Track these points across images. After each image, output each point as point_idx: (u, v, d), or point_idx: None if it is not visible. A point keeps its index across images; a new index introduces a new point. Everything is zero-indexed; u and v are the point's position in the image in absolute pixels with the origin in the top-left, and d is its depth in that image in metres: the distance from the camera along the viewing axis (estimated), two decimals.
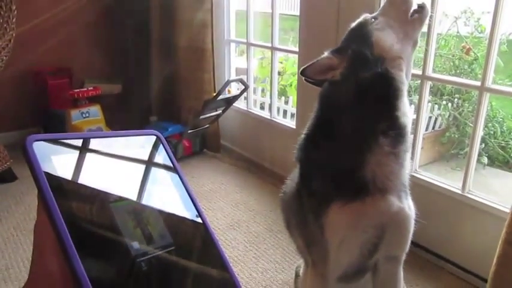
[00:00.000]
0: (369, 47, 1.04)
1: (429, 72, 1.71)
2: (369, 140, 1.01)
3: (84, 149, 0.38)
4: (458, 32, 3.22)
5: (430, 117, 3.18)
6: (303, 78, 1.11)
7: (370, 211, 1.02)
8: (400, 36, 1.07)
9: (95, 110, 2.68)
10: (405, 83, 1.05)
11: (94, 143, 0.39)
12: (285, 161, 2.43)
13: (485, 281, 1.30)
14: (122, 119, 2.83)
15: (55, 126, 2.80)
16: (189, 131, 2.58)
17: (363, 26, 1.10)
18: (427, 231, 1.27)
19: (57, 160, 0.35)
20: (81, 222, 0.34)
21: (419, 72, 1.73)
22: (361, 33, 1.08)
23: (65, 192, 0.34)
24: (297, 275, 1.43)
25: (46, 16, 2.88)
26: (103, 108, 2.73)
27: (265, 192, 2.36)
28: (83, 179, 0.36)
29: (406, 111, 1.04)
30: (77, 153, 0.37)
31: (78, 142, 0.38)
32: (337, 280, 1.15)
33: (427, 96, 1.76)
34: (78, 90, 2.65)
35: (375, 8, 1.78)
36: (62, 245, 0.32)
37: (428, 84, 1.74)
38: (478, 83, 1.57)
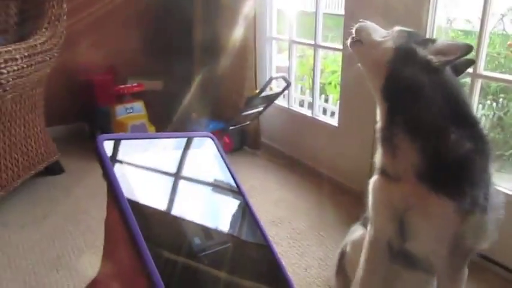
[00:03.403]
0: None
1: (480, 70, 1.67)
2: None
3: (149, 148, 0.40)
4: (504, 30, 3.14)
5: None
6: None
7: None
8: None
9: (139, 106, 2.73)
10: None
11: (155, 143, 0.41)
12: (327, 159, 2.43)
13: None
14: (164, 115, 2.88)
15: (100, 121, 2.87)
16: (231, 128, 2.60)
17: None
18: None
19: (126, 158, 0.37)
20: (149, 218, 0.36)
21: (470, 70, 1.69)
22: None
23: (133, 189, 0.36)
24: (342, 255, 1.44)
25: (90, 14, 2.96)
26: (146, 104, 2.78)
27: (306, 190, 2.36)
28: (148, 177, 0.39)
29: None
30: (142, 152, 0.39)
31: (143, 142, 0.41)
32: (391, 260, 1.21)
33: (477, 94, 1.72)
34: (123, 86, 2.72)
35: (423, 6, 1.76)
36: (134, 241, 0.34)
37: (479, 83, 1.70)
38: None
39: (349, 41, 1.22)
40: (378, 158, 1.15)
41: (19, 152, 2.14)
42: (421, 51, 1.06)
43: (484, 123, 3.17)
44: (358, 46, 1.19)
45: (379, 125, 1.14)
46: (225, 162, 0.45)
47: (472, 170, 1.04)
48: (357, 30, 1.20)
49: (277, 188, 2.39)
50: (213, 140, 0.45)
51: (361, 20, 1.21)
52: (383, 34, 1.16)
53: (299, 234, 1.95)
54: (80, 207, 2.17)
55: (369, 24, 1.20)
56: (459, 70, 1.11)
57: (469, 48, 1.03)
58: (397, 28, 1.16)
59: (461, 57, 1.04)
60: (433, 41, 1.09)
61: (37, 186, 2.37)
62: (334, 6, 6.19)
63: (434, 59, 1.04)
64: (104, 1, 2.99)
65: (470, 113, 1.08)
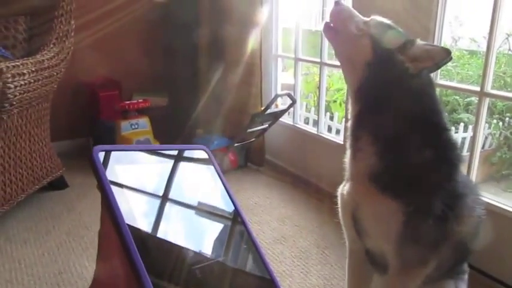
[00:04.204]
0: None
1: (488, 88, 1.66)
2: None
3: (143, 160, 0.41)
4: (510, 50, 3.14)
5: None
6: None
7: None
8: None
9: (144, 122, 2.74)
10: None
11: (150, 155, 0.42)
12: (332, 176, 2.40)
13: None
14: (169, 131, 2.89)
15: (105, 136, 2.87)
16: (235, 144, 2.60)
17: None
18: (482, 253, 1.24)
19: (120, 169, 0.38)
20: (142, 229, 0.36)
21: (477, 88, 1.69)
22: None
23: (127, 200, 0.36)
24: None
25: (97, 31, 2.99)
26: (151, 120, 2.79)
27: (311, 208, 2.34)
28: (142, 188, 0.39)
29: None
30: (137, 164, 0.40)
31: (139, 154, 0.41)
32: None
33: (485, 113, 1.71)
34: (128, 102, 2.72)
35: (430, 21, 1.76)
36: (127, 250, 0.34)
37: (487, 101, 1.69)
38: None
39: (322, 26, 1.15)
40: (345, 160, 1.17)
41: (24, 166, 2.14)
42: (399, 57, 1.04)
43: (491, 143, 3.16)
44: (333, 34, 1.14)
45: (349, 123, 1.14)
46: (219, 174, 0.45)
47: (427, 177, 1.05)
48: (332, 14, 1.13)
49: (281, 206, 2.37)
50: (207, 152, 0.46)
51: (337, 0, 1.13)
52: (360, 24, 1.10)
53: (304, 253, 1.93)
54: (83, 222, 2.16)
55: (346, 9, 1.13)
56: (438, 66, 1.07)
57: (447, 54, 1.01)
58: (374, 19, 1.11)
59: (439, 63, 1.02)
60: (411, 42, 1.05)
61: (41, 201, 2.36)
62: None
63: (411, 67, 1.02)
64: (111, 18, 3.03)
65: (440, 121, 1.07)
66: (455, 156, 1.07)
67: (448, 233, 1.07)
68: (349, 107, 1.14)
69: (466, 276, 1.25)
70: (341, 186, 1.20)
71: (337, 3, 1.13)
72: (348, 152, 1.14)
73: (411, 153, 1.04)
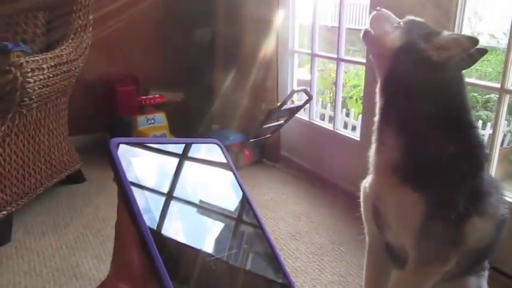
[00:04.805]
0: None
1: (508, 85, 1.63)
2: None
3: (159, 153, 0.41)
4: None
5: None
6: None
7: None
8: None
9: (160, 117, 2.75)
10: None
11: (165, 148, 0.42)
12: (348, 173, 2.40)
13: None
14: (185, 126, 2.90)
15: (121, 131, 2.90)
16: (251, 140, 2.60)
17: None
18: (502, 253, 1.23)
19: (136, 162, 0.38)
20: (158, 221, 0.37)
21: (498, 85, 1.66)
22: None
23: (143, 191, 0.37)
24: None
25: (115, 26, 3.01)
26: (167, 115, 2.80)
27: (326, 204, 2.33)
28: (157, 180, 0.39)
29: None
30: (153, 156, 0.41)
31: (154, 147, 0.42)
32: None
33: (505, 110, 1.68)
34: (145, 97, 2.74)
35: (450, 18, 1.74)
36: (144, 242, 0.35)
37: (507, 98, 1.66)
38: None
39: (362, 33, 1.19)
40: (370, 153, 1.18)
41: (42, 160, 2.17)
42: (423, 46, 1.03)
43: (510, 140, 3.11)
44: (369, 36, 1.17)
45: (375, 118, 1.15)
46: (232, 169, 0.46)
47: (450, 172, 1.04)
48: (371, 20, 1.18)
49: (297, 202, 2.37)
50: (220, 146, 0.46)
51: (378, 8, 1.18)
52: (394, 24, 1.13)
53: (319, 249, 1.92)
54: (100, 216, 2.19)
55: (384, 13, 1.17)
56: (473, 59, 1.05)
57: (472, 42, 1.00)
58: (407, 18, 1.14)
59: (465, 52, 1.01)
60: (437, 33, 1.05)
61: (59, 195, 2.39)
62: (355, 21, 6.37)
63: (435, 54, 1.02)
64: (129, 13, 3.04)
65: (465, 116, 1.06)
66: (481, 154, 1.06)
67: (470, 230, 1.06)
68: (377, 100, 1.15)
69: (486, 273, 1.24)
70: (364, 181, 1.21)
71: (377, 9, 1.17)
72: (373, 146, 1.15)
73: (435, 147, 1.04)
